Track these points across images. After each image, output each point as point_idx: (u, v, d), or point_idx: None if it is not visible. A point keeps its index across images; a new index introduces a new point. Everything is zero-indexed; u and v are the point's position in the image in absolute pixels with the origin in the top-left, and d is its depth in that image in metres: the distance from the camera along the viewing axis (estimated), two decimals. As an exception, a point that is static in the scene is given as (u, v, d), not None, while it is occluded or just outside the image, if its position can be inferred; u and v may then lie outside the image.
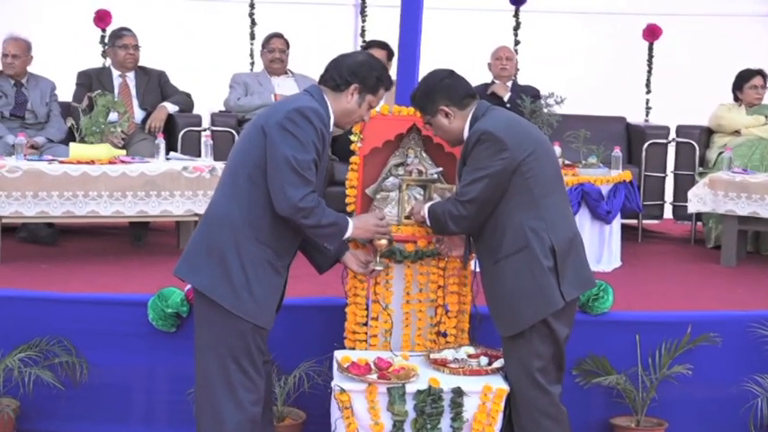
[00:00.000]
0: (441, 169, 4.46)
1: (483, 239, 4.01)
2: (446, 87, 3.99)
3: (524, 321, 3.91)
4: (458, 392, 4.06)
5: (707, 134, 7.64)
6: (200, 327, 3.87)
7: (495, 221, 3.93)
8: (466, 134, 3.99)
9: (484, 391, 4.07)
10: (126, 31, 7.24)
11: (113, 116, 6.49)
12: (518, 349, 3.95)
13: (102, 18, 8.10)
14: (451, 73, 4.04)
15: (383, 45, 7.54)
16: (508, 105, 7.09)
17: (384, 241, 4.17)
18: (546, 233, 3.89)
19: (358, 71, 3.91)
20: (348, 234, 3.95)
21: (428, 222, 4.15)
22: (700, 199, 6.56)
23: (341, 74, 3.90)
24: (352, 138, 4.47)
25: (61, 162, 5.86)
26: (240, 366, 3.81)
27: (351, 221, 3.96)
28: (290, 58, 7.65)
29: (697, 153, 7.53)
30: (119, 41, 7.18)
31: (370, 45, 7.75)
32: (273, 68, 7.55)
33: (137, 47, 7.16)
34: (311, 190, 3.73)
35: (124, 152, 6.27)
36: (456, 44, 8.44)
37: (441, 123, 4.03)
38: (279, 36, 7.59)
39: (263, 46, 7.60)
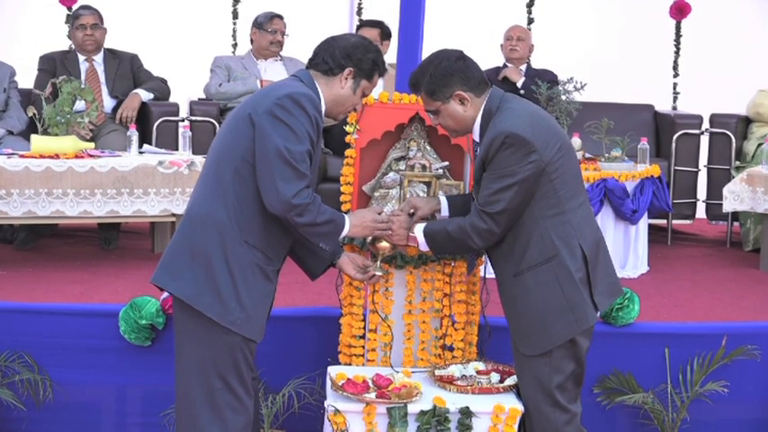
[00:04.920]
0: (447, 164, 4.45)
1: (501, 249, 3.97)
2: (462, 69, 3.95)
3: (553, 340, 3.89)
4: (466, 413, 4.05)
5: (744, 124, 7.65)
6: (182, 340, 3.86)
7: (517, 229, 3.90)
8: (477, 125, 3.98)
9: (495, 412, 4.06)
10: (83, 9, 7.25)
11: (80, 105, 6.49)
12: (537, 366, 3.95)
13: (67, -6, 8.13)
14: (463, 54, 4.02)
15: (376, 24, 7.55)
16: (522, 92, 7.10)
17: (387, 244, 4.15)
18: (575, 240, 3.89)
19: (352, 53, 3.91)
20: (345, 232, 3.95)
21: (425, 245, 4.05)
22: (736, 196, 6.56)
23: (334, 57, 3.90)
24: (348, 129, 4.46)
25: (22, 156, 5.86)
26: (227, 385, 3.80)
27: (347, 218, 3.95)
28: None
29: (733, 145, 7.53)
30: (76, 22, 7.19)
31: (361, 25, 7.77)
32: (271, 51, 7.54)
33: (96, 26, 7.15)
34: (306, 185, 3.72)
35: (92, 145, 6.26)
36: (463, 23, 8.45)
37: (454, 111, 3.98)
38: (280, 17, 7.59)
39: (260, 26, 7.57)
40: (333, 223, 3.87)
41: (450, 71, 3.94)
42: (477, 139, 4.02)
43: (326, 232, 3.87)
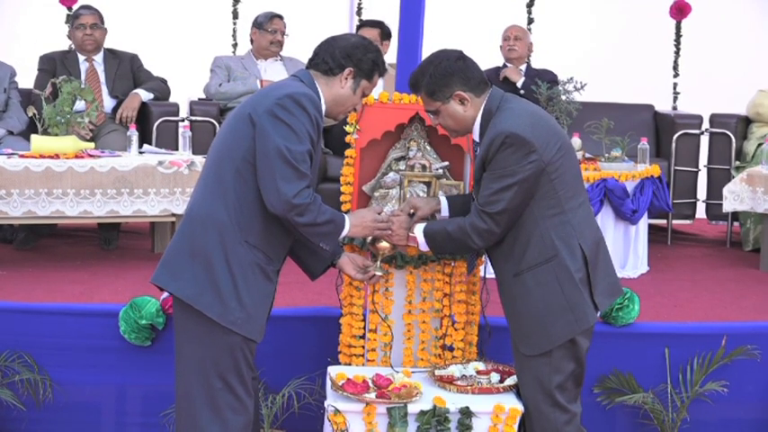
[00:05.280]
0: (447, 164, 4.45)
1: (501, 249, 3.97)
2: (461, 69, 3.95)
3: (553, 340, 3.90)
4: (466, 413, 4.05)
5: (744, 124, 7.65)
6: (182, 340, 3.86)
7: (517, 229, 3.90)
8: (477, 126, 3.98)
9: (495, 412, 4.06)
10: (84, 9, 7.25)
11: (80, 105, 6.49)
12: (537, 366, 3.95)
13: (67, -6, 8.13)
14: (463, 54, 4.02)
15: (375, 23, 7.55)
16: (522, 92, 7.10)
17: (386, 243, 4.15)
18: (575, 240, 3.89)
19: (352, 53, 3.91)
20: (345, 232, 3.95)
21: (425, 245, 4.05)
22: (736, 196, 6.56)
23: (334, 56, 3.90)
24: (348, 129, 4.46)
25: (22, 156, 5.86)
26: (227, 385, 3.80)
27: (347, 218, 3.95)
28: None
29: (733, 145, 7.53)
30: (76, 22, 7.19)
31: (362, 25, 7.77)
32: (271, 51, 7.54)
33: (96, 26, 7.15)
34: (306, 185, 3.73)
35: (92, 145, 6.26)
36: (463, 23, 8.45)
37: (454, 111, 3.98)
38: (280, 17, 7.60)
39: (260, 26, 7.57)
40: (333, 223, 3.87)
41: (449, 71, 3.93)
42: (477, 139, 4.02)
43: (327, 232, 3.87)
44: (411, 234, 4.08)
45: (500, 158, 3.83)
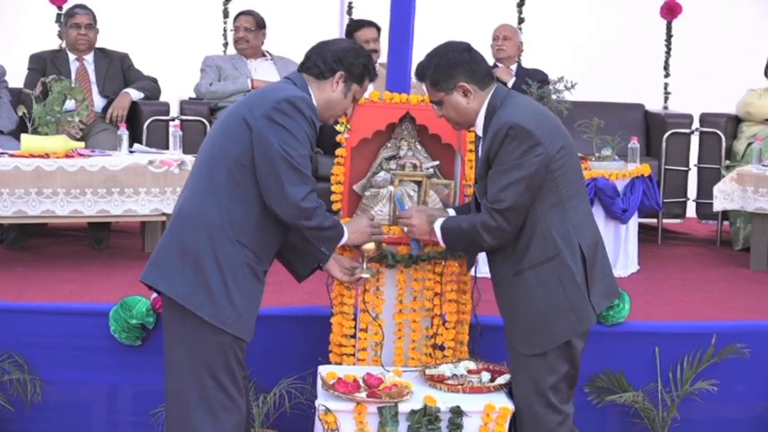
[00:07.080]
0: (437, 163, 4.46)
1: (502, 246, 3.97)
2: (467, 62, 3.94)
3: (554, 340, 3.89)
4: (457, 412, 4.06)
5: (734, 123, 7.66)
6: (173, 340, 3.86)
7: (520, 227, 3.90)
8: (480, 119, 3.96)
9: (486, 411, 4.07)
10: (79, 8, 7.24)
11: (70, 104, 6.48)
12: (532, 366, 3.94)
13: (58, -6, 8.11)
14: (470, 47, 4.01)
15: (371, 23, 7.56)
16: (512, 91, 7.10)
17: (372, 245, 4.15)
18: (576, 239, 3.88)
19: (344, 57, 3.92)
20: (344, 239, 3.99)
21: (441, 242, 4.04)
22: (726, 195, 6.57)
23: (325, 60, 3.91)
24: (339, 128, 4.46)
25: (11, 155, 5.84)
26: (219, 384, 3.80)
27: (345, 227, 3.99)
28: (270, 39, 7.64)
29: (723, 144, 7.54)
30: (70, 21, 7.18)
31: (358, 25, 7.75)
32: (240, 49, 7.57)
33: (90, 26, 7.15)
34: (311, 188, 3.75)
35: (83, 144, 6.25)
36: (453, 22, 8.44)
37: (456, 102, 3.96)
38: (247, 13, 7.60)
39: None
40: (336, 229, 3.93)
41: (454, 62, 3.93)
42: (479, 133, 4.00)
43: (331, 237, 3.93)
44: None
45: (504, 152, 3.81)
